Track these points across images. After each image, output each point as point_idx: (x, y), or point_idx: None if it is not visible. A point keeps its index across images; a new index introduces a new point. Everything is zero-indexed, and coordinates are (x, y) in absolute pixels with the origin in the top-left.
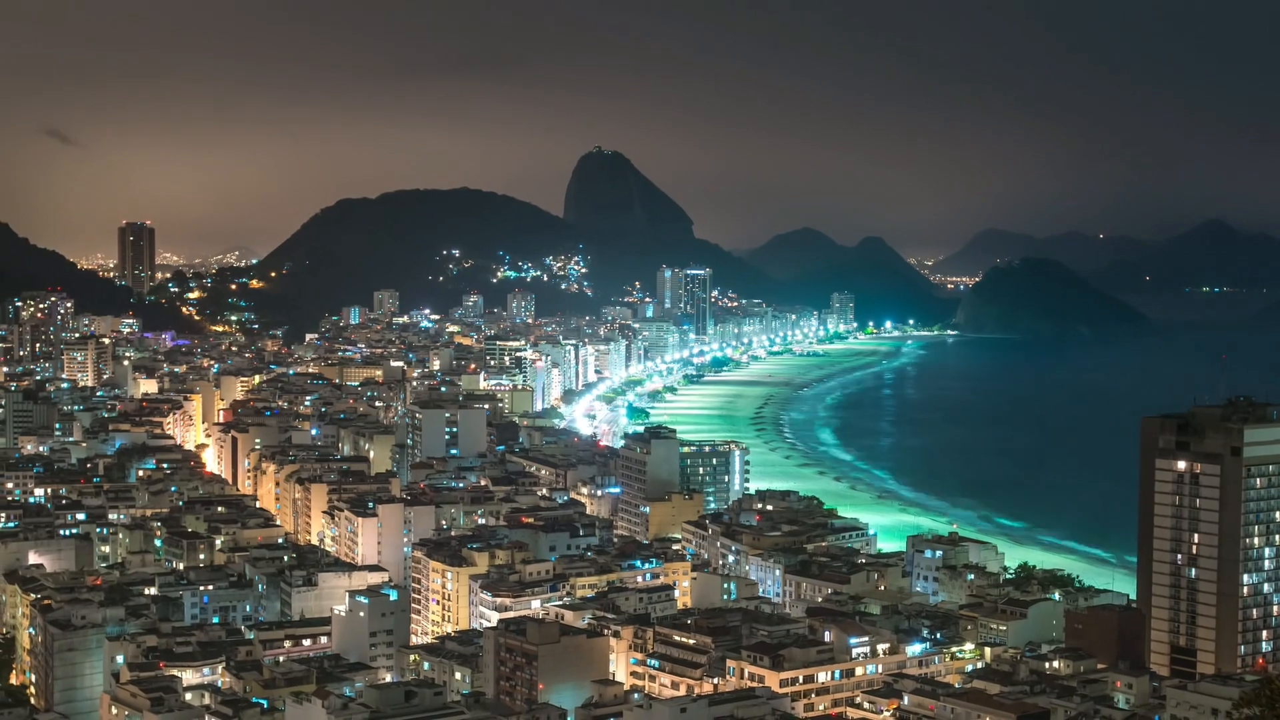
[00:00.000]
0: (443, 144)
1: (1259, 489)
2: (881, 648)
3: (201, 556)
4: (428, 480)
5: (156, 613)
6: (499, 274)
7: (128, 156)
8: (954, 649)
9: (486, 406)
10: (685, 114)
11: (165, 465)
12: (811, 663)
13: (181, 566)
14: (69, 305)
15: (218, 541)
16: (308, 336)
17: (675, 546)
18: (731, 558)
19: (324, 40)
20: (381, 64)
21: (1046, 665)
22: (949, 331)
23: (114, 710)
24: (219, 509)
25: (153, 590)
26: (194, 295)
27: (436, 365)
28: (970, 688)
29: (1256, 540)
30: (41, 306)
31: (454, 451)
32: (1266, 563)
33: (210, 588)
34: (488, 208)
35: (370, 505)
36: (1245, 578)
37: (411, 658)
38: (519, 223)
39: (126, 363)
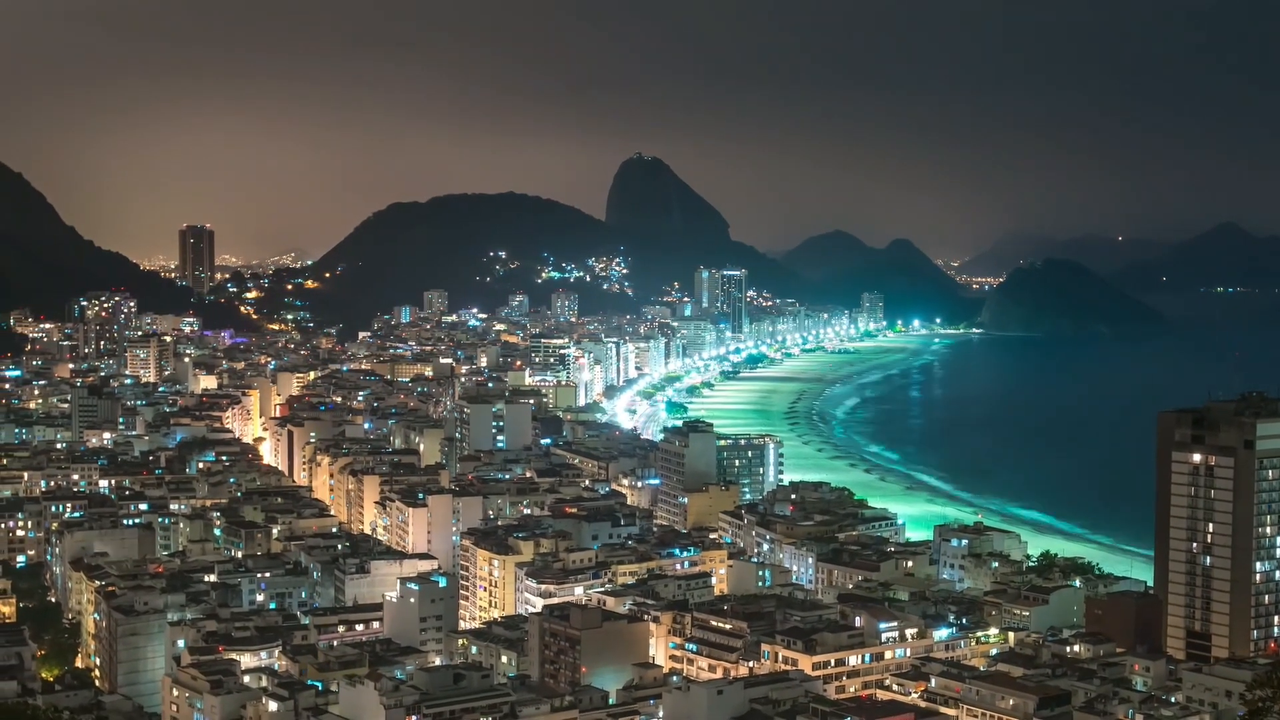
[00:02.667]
0: (490, 151)
1: (1271, 480)
2: (910, 632)
3: (259, 545)
4: (475, 472)
5: (216, 599)
6: (543, 275)
7: (189, 163)
8: (979, 634)
9: (531, 401)
10: (722, 122)
11: (224, 458)
12: (843, 647)
13: (240, 555)
14: (132, 304)
15: (274, 531)
16: (360, 334)
17: (712, 535)
18: (766, 546)
19: (376, 55)
20: (431, 76)
21: (1067, 649)
22: (974, 330)
23: (175, 692)
24: (276, 500)
25: (212, 577)
26: (252, 295)
27: (484, 362)
28: (994, 670)
29: (1269, 529)
30: (106, 306)
31: (500, 444)
32: (1278, 551)
33: (267, 575)
34: (533, 211)
35: (420, 496)
36: (1258, 565)
37: (460, 642)
38: (563, 225)
39: (187, 360)
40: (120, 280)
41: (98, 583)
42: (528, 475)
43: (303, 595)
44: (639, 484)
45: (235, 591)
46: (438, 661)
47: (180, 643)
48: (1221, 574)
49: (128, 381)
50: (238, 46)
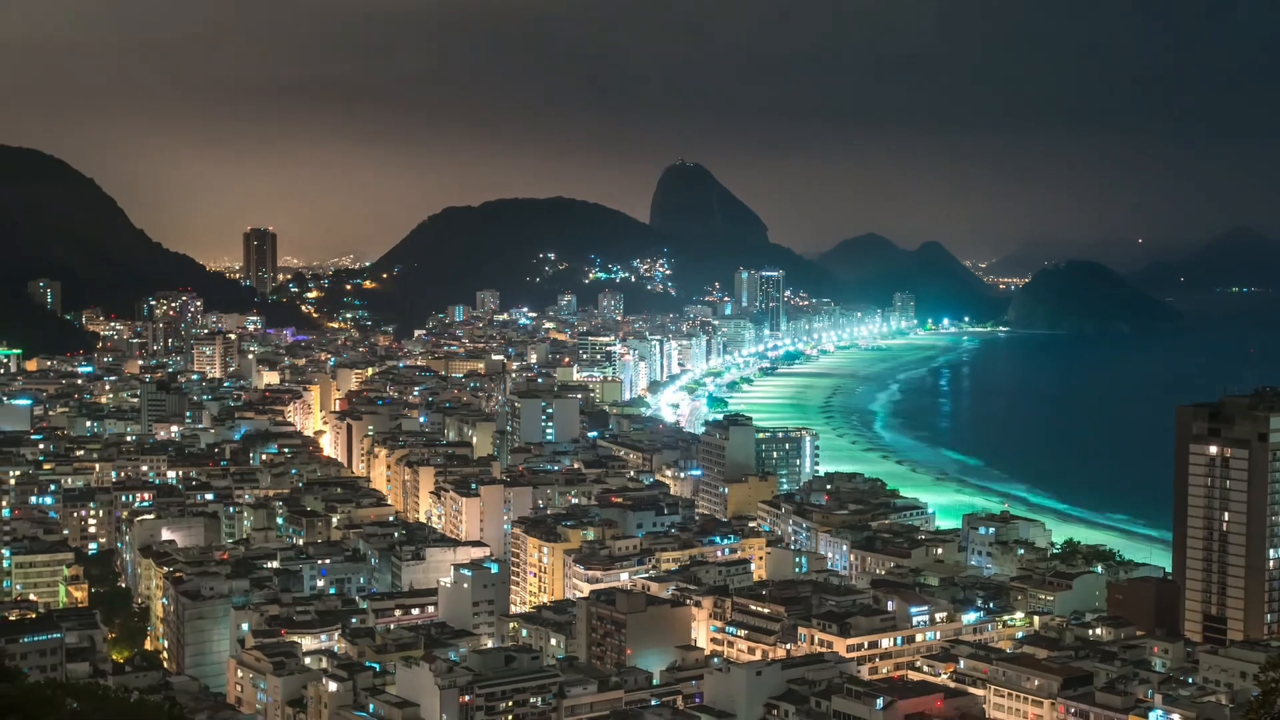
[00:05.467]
0: (539, 158)
1: None
2: (939, 616)
3: (319, 533)
4: (526, 464)
5: (278, 584)
6: (590, 275)
7: (252, 170)
8: (1005, 617)
9: (579, 396)
10: (761, 130)
11: (286, 450)
12: (876, 630)
13: (301, 542)
14: (199, 304)
15: (334, 519)
16: (416, 332)
17: (751, 524)
18: (803, 534)
19: (430, 72)
20: (482, 88)
21: (1090, 632)
22: (1001, 328)
23: (240, 673)
24: (335, 490)
25: (275, 564)
26: (312, 295)
27: (534, 359)
28: (1020, 652)
29: None
30: (174, 305)
31: (549, 437)
32: None
33: (327, 561)
34: (580, 215)
35: (473, 486)
36: (1271, 552)
37: (511, 625)
38: (609, 228)
39: (251, 356)
40: (187, 280)
41: (166, 569)
42: (576, 467)
43: (361, 581)
44: (681, 475)
45: (297, 577)
46: (490, 644)
47: (244, 626)
48: (1237, 560)
49: (194, 377)
50: (297, 62)
